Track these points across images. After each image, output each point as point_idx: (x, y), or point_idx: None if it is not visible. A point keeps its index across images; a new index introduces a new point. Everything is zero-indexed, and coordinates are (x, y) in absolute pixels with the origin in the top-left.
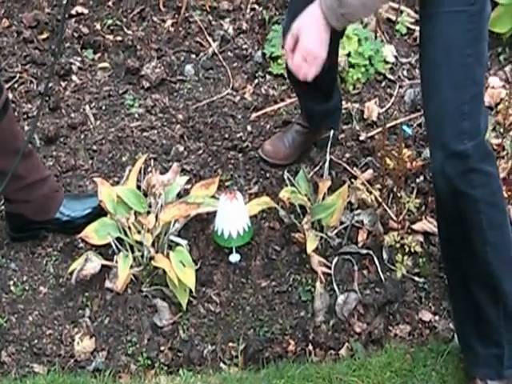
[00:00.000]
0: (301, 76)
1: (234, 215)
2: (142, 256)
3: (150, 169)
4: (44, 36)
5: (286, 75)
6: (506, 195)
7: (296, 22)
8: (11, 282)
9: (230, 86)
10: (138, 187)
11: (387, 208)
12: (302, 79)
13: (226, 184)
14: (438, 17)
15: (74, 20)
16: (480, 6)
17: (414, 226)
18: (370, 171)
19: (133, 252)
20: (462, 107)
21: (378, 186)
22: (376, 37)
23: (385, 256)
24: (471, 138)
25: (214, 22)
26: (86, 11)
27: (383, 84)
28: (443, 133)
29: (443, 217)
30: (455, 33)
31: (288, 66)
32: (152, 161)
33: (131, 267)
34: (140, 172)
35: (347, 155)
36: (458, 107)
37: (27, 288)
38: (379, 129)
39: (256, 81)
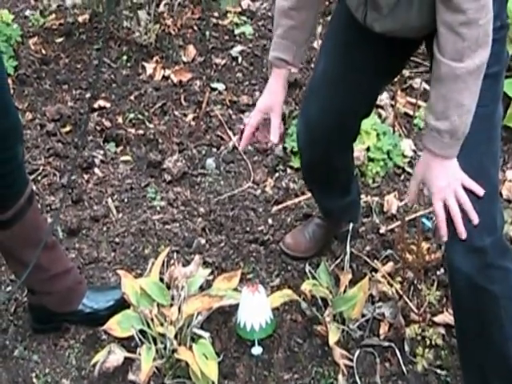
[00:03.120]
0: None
1: (256, 308)
2: (165, 348)
3: (172, 261)
4: (67, 129)
5: None
6: None
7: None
8: (33, 375)
9: (251, 179)
10: (161, 279)
11: (408, 300)
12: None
13: (248, 277)
14: None
15: (96, 114)
16: (492, 108)
17: (436, 319)
18: (391, 264)
19: (156, 344)
20: (480, 204)
21: (399, 278)
22: (394, 131)
23: (406, 348)
24: (489, 234)
25: (234, 116)
26: (108, 105)
27: (402, 177)
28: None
29: (459, 308)
30: (469, 133)
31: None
32: (174, 253)
33: (154, 359)
34: (163, 264)
35: (368, 248)
36: (476, 203)
37: (49, 380)
38: (399, 222)
39: (277, 174)
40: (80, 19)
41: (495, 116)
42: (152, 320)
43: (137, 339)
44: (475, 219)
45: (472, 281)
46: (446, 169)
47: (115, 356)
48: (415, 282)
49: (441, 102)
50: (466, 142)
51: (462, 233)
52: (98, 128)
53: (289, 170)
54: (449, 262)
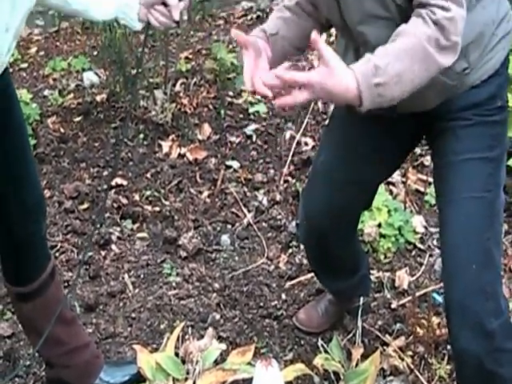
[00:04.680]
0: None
1: (269, 382)
2: None
3: (187, 336)
4: (84, 206)
5: None
6: None
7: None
8: None
9: (265, 255)
10: (176, 354)
11: (419, 374)
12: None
13: (262, 351)
14: (457, 203)
15: (113, 191)
16: (495, 192)
17: None
18: (402, 338)
19: None
20: (485, 288)
21: (410, 352)
22: (405, 207)
23: None
24: (496, 317)
25: (248, 194)
26: (125, 183)
27: (413, 253)
28: (469, 314)
29: None
30: (474, 219)
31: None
32: (189, 328)
33: None
34: (178, 339)
35: (379, 322)
36: (481, 288)
37: None
38: (410, 297)
39: (290, 250)
40: (98, 98)
41: (498, 201)
42: None
43: None
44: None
45: (480, 364)
46: (337, 88)
47: None
48: (426, 356)
49: (387, 46)
50: (472, 226)
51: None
52: (115, 205)
53: (302, 247)
54: (456, 344)
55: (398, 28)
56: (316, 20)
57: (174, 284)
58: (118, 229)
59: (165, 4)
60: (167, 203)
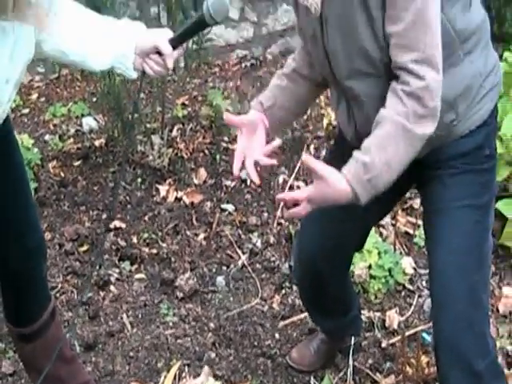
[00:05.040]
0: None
1: None
2: None
3: (184, 374)
4: (84, 248)
5: None
6: None
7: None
8: None
9: (259, 296)
10: None
11: None
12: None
13: None
14: (446, 246)
15: (112, 234)
16: (484, 237)
17: None
18: (392, 377)
19: None
20: (473, 327)
21: None
22: (395, 249)
23: None
24: (483, 358)
25: (243, 236)
26: (123, 225)
27: (403, 294)
28: (457, 353)
29: None
30: (462, 263)
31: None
32: (186, 367)
33: None
34: (174, 377)
35: (370, 361)
36: (470, 327)
37: None
38: (399, 336)
39: (283, 291)
40: (97, 143)
41: (486, 245)
42: None
43: None
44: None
45: None
46: (335, 195)
47: None
48: None
49: (370, 138)
50: (461, 269)
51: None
52: (114, 247)
53: (295, 287)
54: (445, 382)
55: (378, 114)
56: (313, 82)
57: (170, 324)
58: (117, 270)
59: (159, 53)
60: (164, 245)
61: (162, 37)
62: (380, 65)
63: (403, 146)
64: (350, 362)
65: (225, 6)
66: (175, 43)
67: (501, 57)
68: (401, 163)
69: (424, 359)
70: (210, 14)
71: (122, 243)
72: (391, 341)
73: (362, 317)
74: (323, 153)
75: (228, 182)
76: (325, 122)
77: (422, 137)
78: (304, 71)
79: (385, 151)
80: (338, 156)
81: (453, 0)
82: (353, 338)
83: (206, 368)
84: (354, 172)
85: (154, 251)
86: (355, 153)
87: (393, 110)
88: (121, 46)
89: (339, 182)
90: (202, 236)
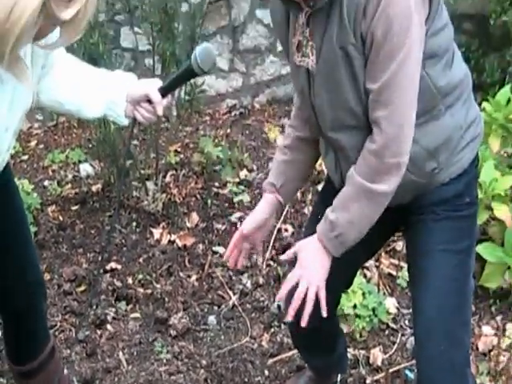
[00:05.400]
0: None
1: None
2: None
3: None
4: (82, 289)
5: None
6: None
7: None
8: None
9: (249, 334)
10: None
11: None
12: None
13: None
14: (428, 289)
15: (108, 275)
16: (464, 281)
17: None
18: None
19: None
20: (454, 367)
21: None
22: (379, 290)
23: None
24: None
25: (234, 277)
26: (119, 267)
27: (387, 332)
28: None
29: None
30: (444, 304)
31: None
32: None
33: None
34: None
35: None
36: (451, 367)
37: None
38: (383, 373)
39: (272, 330)
40: (93, 188)
41: (467, 288)
42: None
43: None
44: (324, 311)
45: None
46: (316, 257)
47: None
48: None
49: (338, 196)
50: (442, 311)
51: (303, 320)
52: (110, 288)
53: (283, 326)
54: None
55: (348, 172)
56: (315, 141)
57: (164, 361)
58: (113, 310)
59: (150, 101)
60: (158, 286)
61: (152, 86)
62: (363, 117)
63: (366, 204)
64: None
65: (212, 57)
66: (164, 91)
67: (479, 104)
68: (368, 219)
69: None
70: (197, 64)
71: (118, 284)
72: (375, 377)
73: (348, 354)
74: (309, 197)
75: (219, 226)
76: None
77: (384, 193)
78: (303, 133)
79: (347, 210)
80: (327, 198)
81: (435, 59)
82: (339, 376)
83: None
84: (322, 229)
85: (149, 291)
86: (327, 210)
87: (357, 168)
88: (112, 94)
89: (308, 243)
90: (194, 277)
